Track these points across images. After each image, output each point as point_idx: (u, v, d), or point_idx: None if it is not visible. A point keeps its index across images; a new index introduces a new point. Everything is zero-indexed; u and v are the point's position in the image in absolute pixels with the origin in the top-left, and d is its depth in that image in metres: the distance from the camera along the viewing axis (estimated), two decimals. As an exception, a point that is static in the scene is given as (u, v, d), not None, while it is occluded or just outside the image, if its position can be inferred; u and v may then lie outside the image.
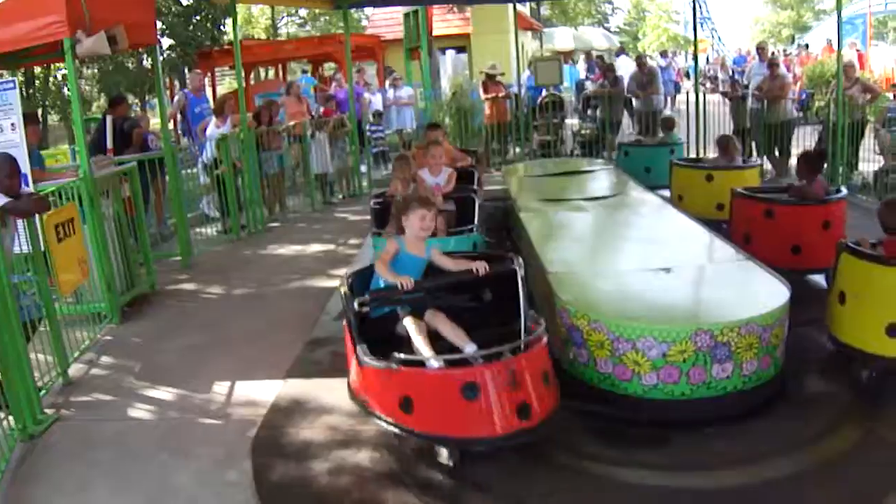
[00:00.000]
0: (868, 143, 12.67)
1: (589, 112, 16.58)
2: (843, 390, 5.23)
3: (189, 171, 12.03)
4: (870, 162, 12.27)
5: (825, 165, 11.00)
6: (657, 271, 5.76)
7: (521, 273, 4.84)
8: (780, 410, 5.02)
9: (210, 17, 24.73)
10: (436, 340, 4.65)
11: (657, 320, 4.84)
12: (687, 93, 18.07)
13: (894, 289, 5.09)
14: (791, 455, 4.51)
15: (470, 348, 4.46)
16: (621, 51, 31.69)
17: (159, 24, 19.23)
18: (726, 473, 4.41)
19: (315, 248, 10.18)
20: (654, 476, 4.40)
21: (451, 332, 4.70)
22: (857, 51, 25.00)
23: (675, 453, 4.62)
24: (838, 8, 13.01)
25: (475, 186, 8.25)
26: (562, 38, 38.19)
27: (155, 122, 15.36)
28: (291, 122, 13.07)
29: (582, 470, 4.49)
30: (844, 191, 7.73)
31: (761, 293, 5.28)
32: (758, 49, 17.02)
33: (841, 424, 4.86)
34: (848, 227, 7.24)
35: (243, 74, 15.10)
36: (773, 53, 17.94)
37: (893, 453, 4.50)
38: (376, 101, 18.06)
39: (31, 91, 21.88)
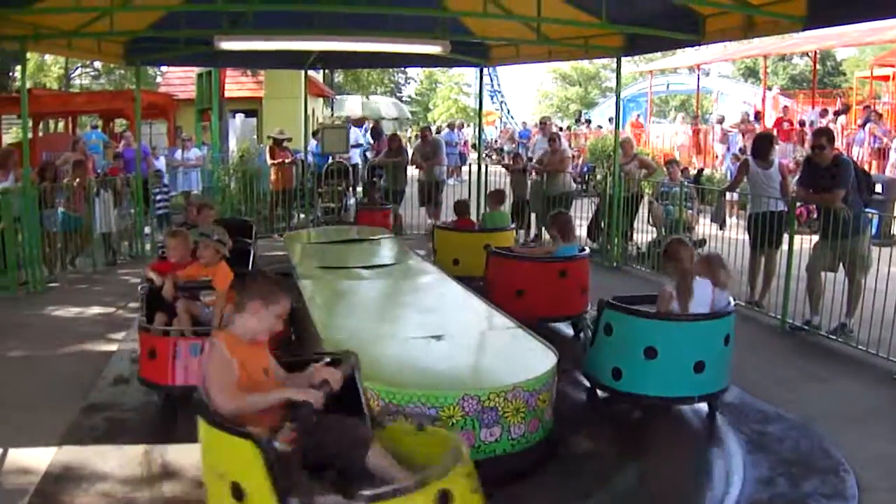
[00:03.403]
0: (643, 216, 13.56)
1: (374, 181, 16.96)
2: (609, 446, 5.76)
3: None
4: (644, 233, 13.11)
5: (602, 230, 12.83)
6: (429, 338, 5.95)
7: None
8: (550, 470, 5.31)
9: (-1, 61, 23.96)
10: None
11: (426, 386, 5.01)
12: (469, 165, 18.80)
13: (454, 243, 10.87)
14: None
15: None
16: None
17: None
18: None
19: (95, 310, 9.94)
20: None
21: None
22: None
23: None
24: (618, 88, 14.04)
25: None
26: (353, 105, 38.86)
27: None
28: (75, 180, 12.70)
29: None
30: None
31: (529, 359, 5.56)
32: (540, 124, 17.86)
33: (609, 477, 5.25)
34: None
35: (30, 125, 14.68)
36: (554, 128, 18.86)
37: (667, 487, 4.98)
38: (160, 164, 17.66)
39: None
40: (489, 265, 9.02)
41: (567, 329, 8.78)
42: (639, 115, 34.94)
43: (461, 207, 11.85)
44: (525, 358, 5.66)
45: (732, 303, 6.40)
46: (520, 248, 10.42)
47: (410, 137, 39.81)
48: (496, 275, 8.88)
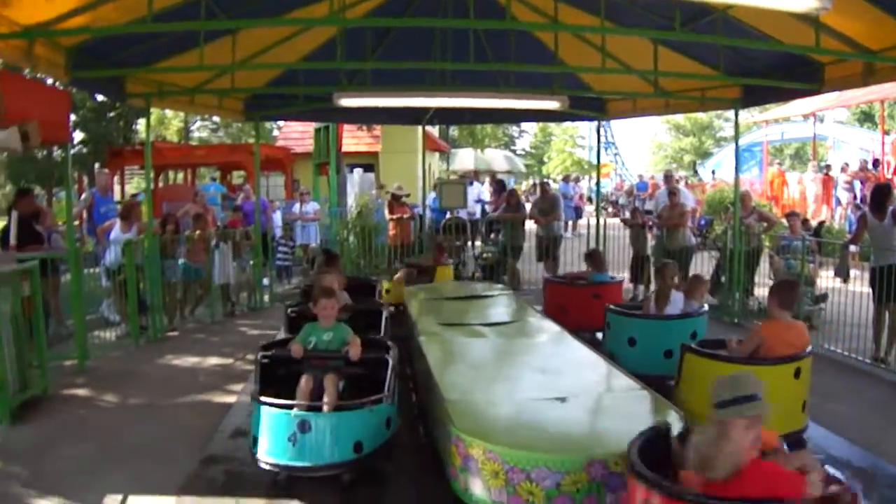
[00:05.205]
0: (764, 270, 13.21)
1: (492, 236, 16.87)
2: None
3: (91, 270, 11.81)
4: (765, 287, 12.76)
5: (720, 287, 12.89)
6: (553, 400, 5.75)
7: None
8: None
9: (124, 115, 24.77)
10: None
11: (551, 450, 4.83)
12: (588, 218, 18.59)
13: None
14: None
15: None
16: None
17: (72, 118, 19.04)
18: None
19: (213, 360, 10.11)
20: None
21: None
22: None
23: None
24: (736, 140, 13.74)
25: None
26: (466, 158, 39.10)
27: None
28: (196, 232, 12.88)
29: None
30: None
31: (654, 422, 5.28)
32: (665, 177, 17.60)
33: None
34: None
35: (152, 176, 15.11)
36: (675, 181, 18.53)
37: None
38: (276, 218, 17.95)
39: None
40: (546, 290, 12.00)
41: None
42: (777, 164, 34.32)
43: (436, 248, 14.31)
44: (651, 420, 5.40)
45: (705, 308, 9.03)
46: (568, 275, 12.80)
47: (525, 191, 39.82)
48: (549, 296, 11.72)
